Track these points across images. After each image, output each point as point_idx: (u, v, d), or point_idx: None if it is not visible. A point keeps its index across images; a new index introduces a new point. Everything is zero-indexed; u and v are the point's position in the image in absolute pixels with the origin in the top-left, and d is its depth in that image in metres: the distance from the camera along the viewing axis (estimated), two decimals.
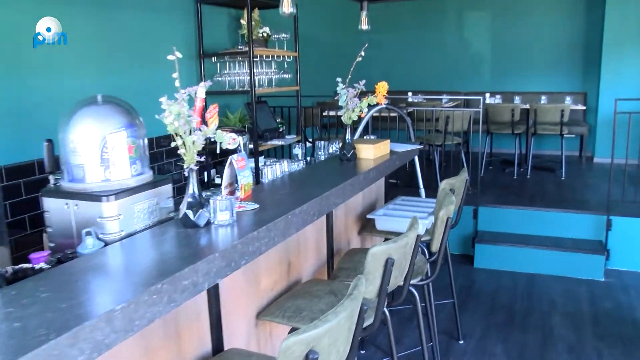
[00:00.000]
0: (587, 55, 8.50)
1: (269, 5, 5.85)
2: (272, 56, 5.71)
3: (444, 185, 3.27)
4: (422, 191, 5.60)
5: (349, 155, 3.32)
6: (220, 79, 5.52)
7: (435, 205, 3.10)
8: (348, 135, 3.35)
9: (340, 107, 3.35)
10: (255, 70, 5.52)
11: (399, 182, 6.19)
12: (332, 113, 6.40)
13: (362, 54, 3.43)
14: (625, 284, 5.00)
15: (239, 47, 5.52)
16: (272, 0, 5.71)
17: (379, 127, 6.32)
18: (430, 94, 8.53)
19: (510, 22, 8.85)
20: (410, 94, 8.02)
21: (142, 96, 2.72)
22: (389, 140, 3.64)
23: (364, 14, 4.83)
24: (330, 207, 2.54)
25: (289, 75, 5.94)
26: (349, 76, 3.42)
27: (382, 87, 3.37)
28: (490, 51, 9.05)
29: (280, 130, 5.96)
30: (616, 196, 5.39)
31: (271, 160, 3.07)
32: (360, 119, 3.88)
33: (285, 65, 5.94)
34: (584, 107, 7.34)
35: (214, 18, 5.68)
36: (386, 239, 3.61)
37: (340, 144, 3.44)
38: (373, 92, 3.42)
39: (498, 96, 7.65)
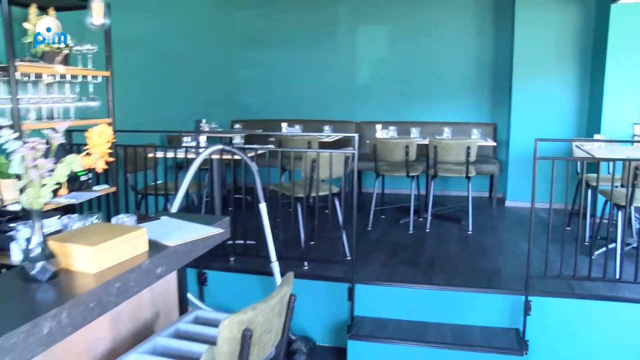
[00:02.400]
0: (496, 82, 7.24)
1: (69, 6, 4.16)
2: (68, 76, 3.98)
3: (227, 330, 1.65)
4: (275, 266, 4.02)
5: (36, 272, 1.64)
6: None
7: None
8: (37, 234, 1.66)
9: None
10: (36, 96, 3.79)
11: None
12: (175, 153, 4.70)
13: None
14: None
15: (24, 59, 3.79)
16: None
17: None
18: (311, 124, 7.01)
19: (410, 43, 7.47)
20: (285, 125, 6.42)
21: None
22: (144, 230, 1.97)
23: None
24: None
25: (97, 103, 4.20)
26: None
27: (101, 135, 1.71)
28: (387, 74, 7.62)
29: (84, 179, 4.23)
30: (537, 267, 3.99)
31: None
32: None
33: (91, 89, 4.21)
34: (494, 143, 6.03)
35: None
36: None
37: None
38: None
39: (393, 127, 6.20)
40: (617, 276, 4.04)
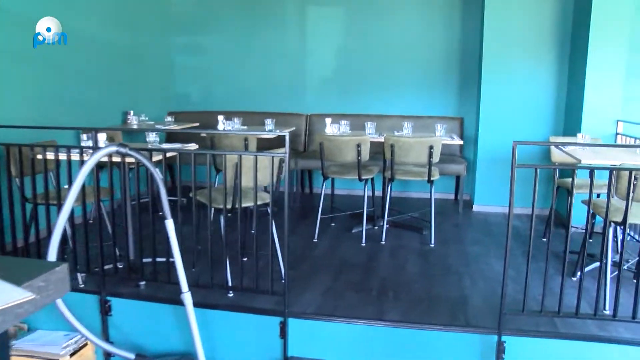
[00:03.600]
0: (463, 72, 6.46)
1: None
2: None
3: None
4: (187, 297, 3.16)
5: None
6: None
7: None
8: None
9: None
10: None
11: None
12: (69, 155, 3.77)
13: None
14: None
15: None
16: None
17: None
18: (254, 116, 6.15)
19: (368, 27, 6.63)
20: (221, 118, 5.51)
21: None
22: None
23: None
24: None
25: None
26: None
27: None
28: (342, 62, 6.79)
29: None
30: (512, 294, 3.21)
31: None
32: None
33: None
34: (461, 142, 5.25)
35: None
36: None
37: None
38: None
39: (345, 122, 5.36)
40: (608, 309, 3.30)
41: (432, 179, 4.75)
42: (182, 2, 7.05)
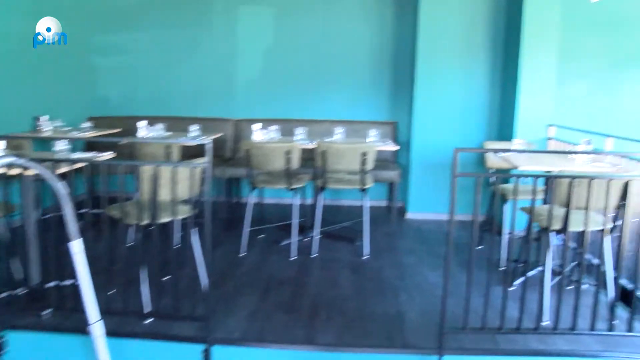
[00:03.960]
0: (397, 75, 6.29)
1: None
2: None
3: None
4: (95, 329, 2.80)
5: None
6: None
7: None
8: None
9: None
10: None
11: None
12: None
13: None
14: None
15: None
16: None
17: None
18: (179, 122, 5.77)
19: (299, 28, 6.37)
20: (143, 124, 5.08)
21: None
22: None
23: None
24: None
25: None
26: None
27: None
28: (272, 64, 6.48)
29: None
30: (450, 307, 3.00)
31: None
32: None
33: None
34: (396, 147, 5.07)
35: None
36: None
37: None
38: None
39: (275, 127, 5.08)
40: (549, 320, 3.18)
41: (365, 187, 4.54)
42: None
